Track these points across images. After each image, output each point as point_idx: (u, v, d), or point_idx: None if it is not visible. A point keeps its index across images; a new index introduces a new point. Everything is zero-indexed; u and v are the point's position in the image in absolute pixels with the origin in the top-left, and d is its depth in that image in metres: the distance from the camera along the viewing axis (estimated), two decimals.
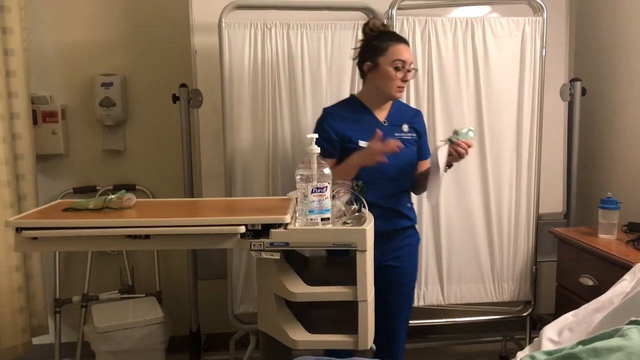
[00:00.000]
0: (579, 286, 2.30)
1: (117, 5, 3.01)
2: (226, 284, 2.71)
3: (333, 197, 2.01)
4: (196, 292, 2.86)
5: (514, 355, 1.57)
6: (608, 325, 1.47)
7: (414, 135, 2.25)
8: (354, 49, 2.27)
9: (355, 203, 1.97)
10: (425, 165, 2.29)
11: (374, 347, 2.17)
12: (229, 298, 2.70)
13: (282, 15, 2.60)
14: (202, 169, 2.74)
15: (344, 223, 1.95)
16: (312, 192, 1.87)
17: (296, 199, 1.91)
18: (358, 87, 2.66)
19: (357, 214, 2.05)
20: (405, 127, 2.24)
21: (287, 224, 1.84)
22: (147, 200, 2.82)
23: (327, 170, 1.88)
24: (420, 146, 2.27)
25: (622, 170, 2.77)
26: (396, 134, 2.19)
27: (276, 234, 1.81)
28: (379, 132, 2.06)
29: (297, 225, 1.86)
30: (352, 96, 2.30)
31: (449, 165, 2.13)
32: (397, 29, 2.58)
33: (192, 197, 2.79)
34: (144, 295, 3.05)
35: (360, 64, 2.22)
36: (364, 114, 2.22)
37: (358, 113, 2.22)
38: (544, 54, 2.70)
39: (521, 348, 1.73)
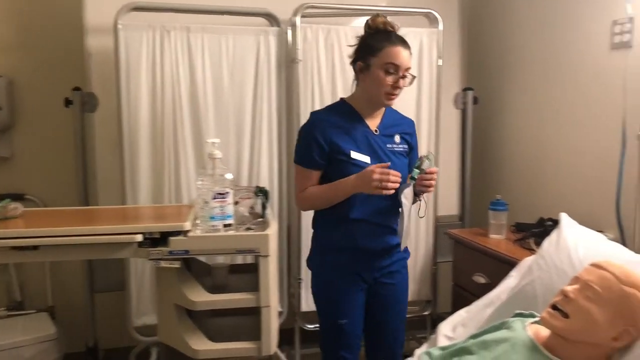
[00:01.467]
0: (472, 284, 2.42)
1: (2, 1, 2.81)
2: (124, 295, 2.60)
3: (236, 202, 2.00)
4: (92, 305, 2.72)
5: None
6: (497, 318, 1.56)
7: (406, 147, 2.03)
8: (350, 46, 2.02)
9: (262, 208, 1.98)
10: None
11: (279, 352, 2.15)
12: (127, 310, 2.59)
13: (182, 19, 2.55)
14: (98, 177, 2.61)
15: (248, 229, 1.94)
16: (213, 198, 1.84)
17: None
18: (260, 92, 2.66)
19: (260, 219, 2.05)
20: (397, 138, 2.01)
21: (187, 231, 1.80)
22: (37, 209, 2.65)
23: (229, 176, 1.86)
24: (411, 159, 2.04)
25: (510, 174, 2.96)
26: (388, 145, 1.98)
27: (175, 242, 1.77)
28: (387, 165, 1.80)
29: (198, 232, 1.83)
30: (341, 100, 2.04)
31: (418, 198, 1.99)
32: (300, 37, 2.61)
33: (88, 206, 2.65)
34: (34, 311, 2.86)
35: (353, 64, 1.98)
36: (355, 121, 1.96)
37: (348, 120, 1.96)
38: (440, 64, 2.84)
39: None
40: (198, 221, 1.87)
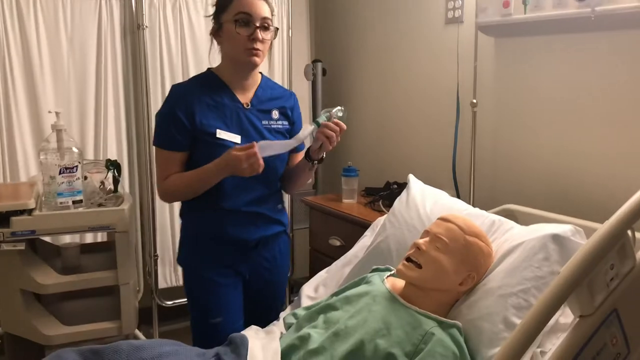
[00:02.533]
0: (329, 247, 2.54)
1: None
2: None
3: (85, 177, 1.87)
4: None
5: None
6: (356, 276, 1.66)
7: (286, 123, 1.79)
8: (208, 16, 1.76)
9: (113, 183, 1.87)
10: (299, 158, 1.83)
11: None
12: None
13: None
14: None
15: (100, 205, 1.83)
16: (60, 173, 1.71)
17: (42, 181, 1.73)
18: (103, 60, 2.49)
19: (113, 193, 1.94)
20: (274, 114, 1.77)
21: (31, 210, 1.65)
22: None
23: (75, 149, 1.73)
24: (293, 135, 1.75)
25: (359, 142, 3.11)
26: (263, 122, 1.73)
27: (19, 222, 1.62)
28: (254, 147, 1.55)
29: (45, 211, 1.69)
30: (208, 70, 1.77)
31: (319, 159, 1.75)
32: (146, 2, 2.48)
33: None
34: None
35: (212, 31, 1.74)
36: (223, 94, 1.71)
37: (215, 93, 1.70)
38: (290, 35, 2.87)
39: None
40: (43, 198, 1.72)
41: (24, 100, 2.37)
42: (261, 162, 1.55)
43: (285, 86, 2.86)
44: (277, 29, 1.72)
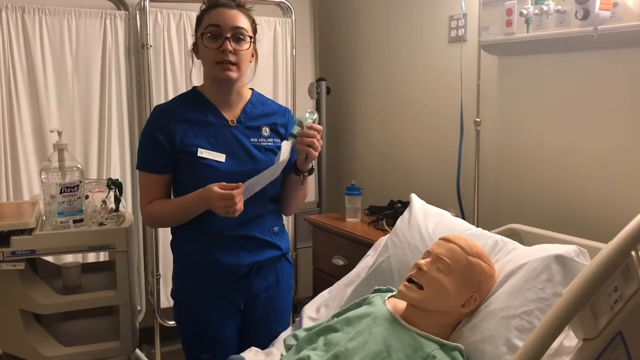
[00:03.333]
0: (332, 267, 2.51)
1: None
2: None
3: (87, 196, 1.86)
4: None
5: None
6: (357, 296, 1.64)
7: (277, 140, 1.67)
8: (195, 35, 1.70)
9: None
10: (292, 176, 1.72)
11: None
12: None
13: None
14: None
15: (101, 224, 1.82)
16: (61, 192, 1.70)
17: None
18: (108, 79, 2.51)
19: (114, 213, 1.93)
20: (265, 130, 1.66)
21: (32, 229, 1.65)
22: None
23: (77, 167, 1.73)
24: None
25: (363, 160, 3.11)
26: (252, 139, 1.64)
27: (19, 242, 1.61)
28: (240, 188, 1.48)
29: (45, 230, 1.68)
30: (193, 89, 1.69)
31: (309, 171, 1.65)
32: (150, 22, 2.50)
33: None
34: None
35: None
36: (207, 112, 1.63)
37: (199, 111, 1.62)
38: (294, 54, 2.88)
39: None
40: (44, 218, 1.72)
41: (28, 119, 2.38)
42: (239, 206, 1.47)
43: (289, 105, 2.86)
44: (252, 37, 1.60)
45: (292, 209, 1.81)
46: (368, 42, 2.98)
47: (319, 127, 1.56)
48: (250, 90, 1.73)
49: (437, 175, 2.54)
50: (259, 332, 1.73)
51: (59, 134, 1.73)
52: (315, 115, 1.59)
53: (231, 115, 1.65)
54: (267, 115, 1.70)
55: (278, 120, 1.72)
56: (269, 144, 1.66)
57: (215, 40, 1.55)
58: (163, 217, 1.64)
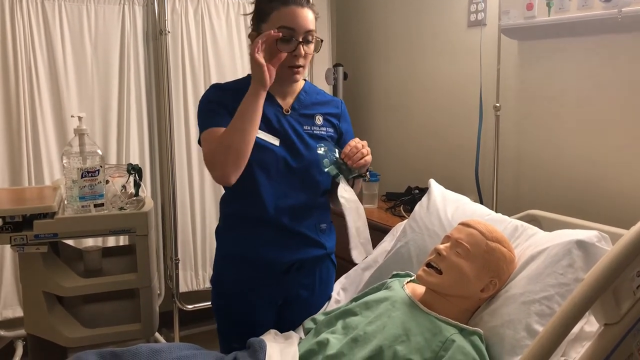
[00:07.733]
0: (349, 253, 2.51)
1: None
2: None
3: (107, 181, 1.89)
4: None
5: None
6: (375, 281, 1.64)
7: (331, 130, 1.67)
8: (245, 14, 1.65)
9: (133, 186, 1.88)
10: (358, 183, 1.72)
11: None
12: None
13: None
14: None
15: (121, 208, 1.84)
16: (82, 177, 1.72)
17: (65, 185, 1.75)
18: (126, 65, 2.52)
19: (134, 197, 1.95)
20: (318, 119, 1.64)
21: (54, 213, 1.67)
22: None
23: (98, 152, 1.75)
24: (341, 147, 1.61)
25: (380, 146, 3.09)
26: (305, 127, 1.61)
27: (42, 225, 1.63)
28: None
29: (67, 214, 1.70)
30: (249, 76, 1.61)
31: (364, 175, 1.64)
32: (168, 8, 2.50)
33: None
34: None
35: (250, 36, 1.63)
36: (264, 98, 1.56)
37: None
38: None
39: None
40: (66, 202, 1.74)
41: (49, 105, 2.41)
42: (266, 75, 1.45)
43: None
44: (322, 40, 1.57)
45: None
46: (386, 27, 2.96)
47: (354, 142, 1.56)
48: (304, 80, 1.70)
49: (456, 161, 2.53)
50: (293, 316, 1.68)
51: (80, 119, 1.75)
52: (331, 147, 1.58)
53: (285, 104, 1.63)
54: (321, 104, 1.68)
55: (332, 110, 1.70)
56: (322, 132, 1.64)
57: (288, 44, 1.50)
58: (229, 135, 1.48)
